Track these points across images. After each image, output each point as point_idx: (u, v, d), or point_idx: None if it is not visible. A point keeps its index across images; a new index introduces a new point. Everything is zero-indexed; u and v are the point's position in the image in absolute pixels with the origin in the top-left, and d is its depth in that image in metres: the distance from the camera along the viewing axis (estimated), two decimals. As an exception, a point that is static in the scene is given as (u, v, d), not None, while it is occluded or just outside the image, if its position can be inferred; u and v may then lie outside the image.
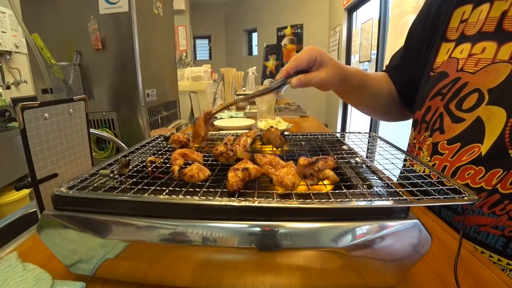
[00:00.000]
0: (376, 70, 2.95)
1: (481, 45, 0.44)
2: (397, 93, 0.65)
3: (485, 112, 0.41)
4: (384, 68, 0.70)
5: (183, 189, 0.31)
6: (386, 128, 2.95)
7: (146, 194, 0.30)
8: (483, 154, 0.40)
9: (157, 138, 0.56)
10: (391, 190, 0.30)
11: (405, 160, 0.42)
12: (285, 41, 5.23)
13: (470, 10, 0.47)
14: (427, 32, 0.56)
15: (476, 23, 0.46)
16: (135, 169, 0.39)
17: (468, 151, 0.42)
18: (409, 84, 0.60)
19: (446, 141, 0.46)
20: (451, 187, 0.30)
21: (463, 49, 0.47)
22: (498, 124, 0.39)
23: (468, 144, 0.43)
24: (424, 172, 0.36)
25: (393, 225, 0.27)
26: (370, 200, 0.28)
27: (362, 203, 0.27)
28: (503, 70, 0.40)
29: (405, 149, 0.61)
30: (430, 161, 0.49)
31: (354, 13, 3.88)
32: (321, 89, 0.55)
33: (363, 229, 0.27)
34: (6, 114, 1.76)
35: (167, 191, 0.30)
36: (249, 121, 1.33)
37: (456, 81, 0.46)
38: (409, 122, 0.65)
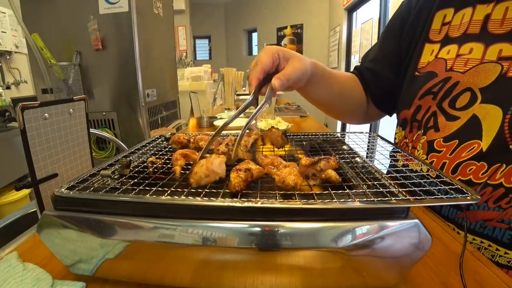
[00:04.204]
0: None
1: (468, 46, 0.45)
2: (369, 95, 0.64)
3: (480, 110, 0.42)
4: (352, 70, 0.68)
5: (185, 190, 0.31)
6: (386, 129, 2.95)
7: (148, 195, 0.29)
8: (484, 150, 0.41)
9: (157, 138, 0.56)
10: (392, 190, 0.30)
11: (396, 160, 0.42)
12: (285, 41, 5.22)
13: (452, 14, 0.48)
14: (408, 33, 0.56)
15: (460, 26, 0.47)
16: (136, 169, 0.39)
17: (467, 147, 0.43)
18: (386, 85, 0.60)
19: (442, 139, 0.47)
20: (453, 186, 0.30)
21: (450, 50, 0.47)
22: (494, 121, 0.40)
23: (467, 141, 0.43)
24: (422, 171, 0.36)
25: (393, 225, 0.27)
26: (372, 200, 0.28)
27: (364, 203, 0.27)
28: (492, 70, 0.41)
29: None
30: (427, 159, 0.49)
31: (354, 13, 3.88)
32: (299, 86, 0.49)
33: (363, 229, 0.27)
34: (6, 114, 1.76)
35: (169, 192, 0.30)
36: (249, 121, 1.33)
37: (447, 80, 0.46)
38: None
